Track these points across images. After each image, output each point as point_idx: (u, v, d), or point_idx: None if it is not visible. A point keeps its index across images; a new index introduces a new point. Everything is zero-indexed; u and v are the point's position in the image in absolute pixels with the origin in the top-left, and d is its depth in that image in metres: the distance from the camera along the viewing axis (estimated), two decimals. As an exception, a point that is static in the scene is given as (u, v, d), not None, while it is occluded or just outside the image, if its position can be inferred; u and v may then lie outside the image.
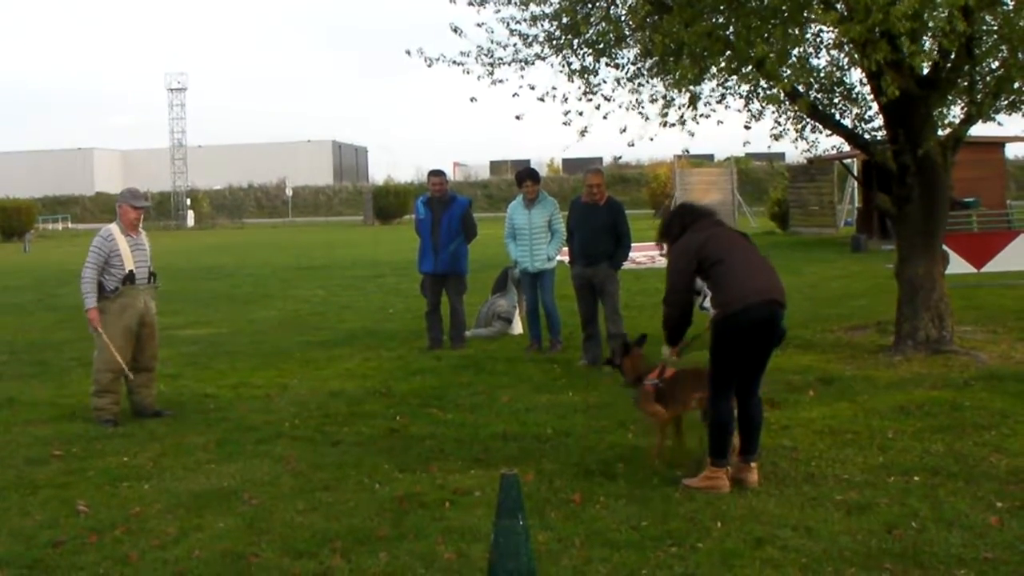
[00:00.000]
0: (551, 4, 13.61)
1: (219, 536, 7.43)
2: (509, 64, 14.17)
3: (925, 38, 12.29)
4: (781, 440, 9.32)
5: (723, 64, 12.51)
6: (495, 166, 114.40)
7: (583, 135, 13.85)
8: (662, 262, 30.41)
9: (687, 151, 15.59)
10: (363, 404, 11.77)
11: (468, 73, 14.33)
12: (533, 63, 14.14)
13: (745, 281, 8.08)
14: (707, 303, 8.36)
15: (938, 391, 11.27)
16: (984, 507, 7.49)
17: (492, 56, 14.20)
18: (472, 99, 14.82)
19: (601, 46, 13.76)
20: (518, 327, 16.73)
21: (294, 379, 13.46)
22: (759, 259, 8.34)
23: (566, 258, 15.02)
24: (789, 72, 12.01)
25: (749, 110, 14.03)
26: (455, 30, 14.02)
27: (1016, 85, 12.59)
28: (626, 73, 14.24)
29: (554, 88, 14.02)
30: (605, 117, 14.18)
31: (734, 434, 8.27)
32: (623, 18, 13.50)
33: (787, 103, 13.79)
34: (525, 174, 15.24)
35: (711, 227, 8.43)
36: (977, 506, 7.51)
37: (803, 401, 10.98)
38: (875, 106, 13.98)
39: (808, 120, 14.54)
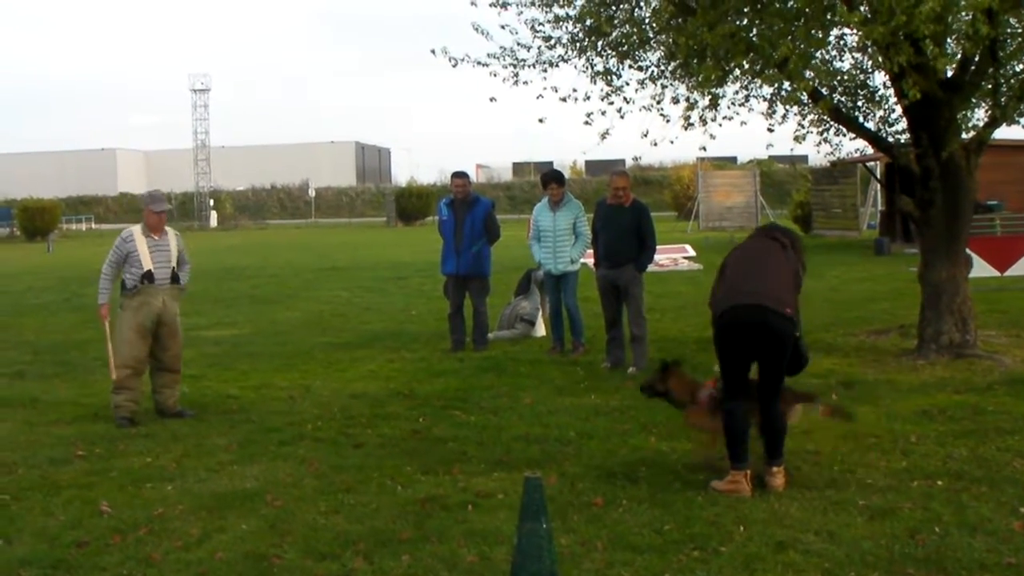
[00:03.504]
0: (574, 6, 13.61)
1: (242, 538, 7.46)
2: (533, 66, 14.18)
3: (949, 41, 12.26)
4: (804, 444, 9.29)
5: (746, 66, 12.50)
6: (518, 168, 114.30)
7: (604, 138, 13.84)
8: (685, 265, 30.34)
9: (704, 148, 15.55)
10: (386, 406, 11.79)
11: (495, 76, 14.36)
12: (557, 65, 14.16)
13: (735, 285, 8.37)
14: None
15: (961, 395, 11.25)
16: (1007, 512, 7.47)
17: (516, 58, 14.20)
18: (492, 99, 14.97)
19: (625, 48, 13.77)
20: (541, 329, 16.71)
21: (317, 380, 13.49)
22: (764, 267, 8.43)
23: (590, 261, 15.00)
24: (812, 74, 11.99)
25: (772, 112, 14.00)
26: (477, 29, 14.05)
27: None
28: (649, 75, 14.23)
29: (575, 90, 14.05)
30: (622, 117, 14.16)
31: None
32: (647, 20, 13.50)
33: (809, 105, 13.76)
34: (550, 176, 15.23)
35: (751, 240, 8.86)
36: (1000, 511, 7.49)
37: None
38: (899, 109, 13.95)
39: (831, 123, 14.50)
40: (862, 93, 14.35)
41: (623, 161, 68.44)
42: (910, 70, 11.37)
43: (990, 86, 13.01)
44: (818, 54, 12.42)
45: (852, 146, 15.60)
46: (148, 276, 11.44)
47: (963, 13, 11.22)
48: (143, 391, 11.63)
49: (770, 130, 13.98)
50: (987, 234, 25.64)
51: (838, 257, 31.25)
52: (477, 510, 7.89)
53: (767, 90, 13.66)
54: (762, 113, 14.07)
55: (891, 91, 13.73)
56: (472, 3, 14.14)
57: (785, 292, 8.28)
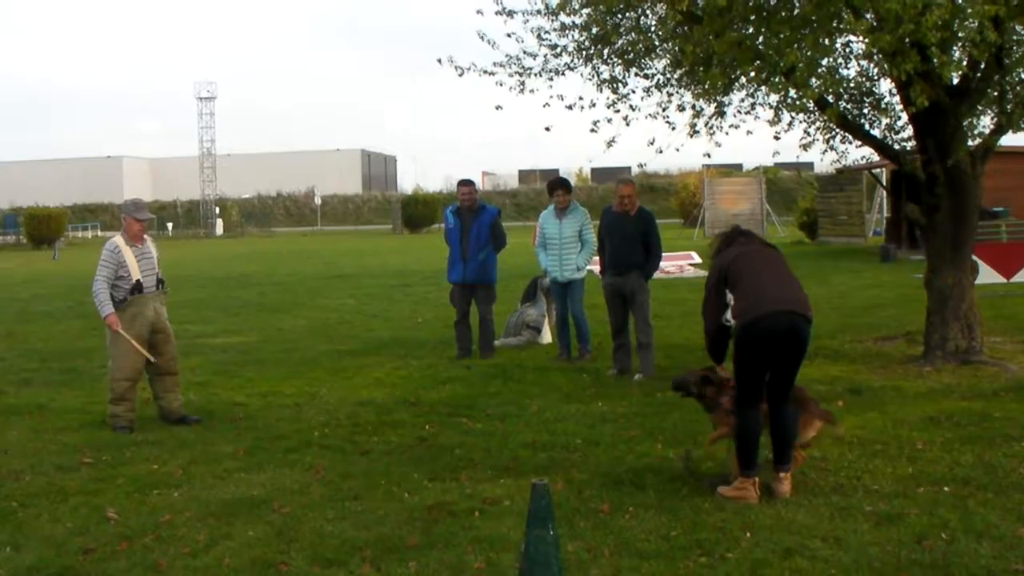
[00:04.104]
0: (581, 14, 13.62)
1: (249, 544, 7.47)
2: (539, 74, 14.18)
3: (955, 48, 12.26)
4: (810, 451, 9.28)
5: (752, 74, 12.50)
6: (524, 175, 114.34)
7: (610, 145, 13.86)
8: (691, 272, 30.30)
9: (708, 155, 15.55)
10: (392, 413, 11.79)
11: (501, 85, 14.31)
12: (563, 73, 14.16)
13: (763, 291, 8.23)
14: (729, 315, 8.36)
15: (967, 401, 11.24)
16: (1014, 518, 7.46)
17: (522, 66, 14.20)
18: (498, 107, 14.76)
19: (631, 56, 13.77)
20: (547, 336, 16.73)
21: (323, 388, 13.49)
22: (782, 273, 8.41)
23: (596, 268, 14.99)
24: (818, 82, 12.00)
25: (778, 120, 14.00)
26: (483, 38, 14.06)
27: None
28: (655, 83, 14.24)
29: (581, 98, 14.05)
30: (628, 124, 14.16)
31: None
32: (653, 28, 13.50)
33: (816, 112, 13.76)
34: (556, 184, 15.23)
35: (744, 245, 8.68)
36: (1007, 517, 7.49)
37: (832, 411, 10.91)
38: (905, 116, 13.95)
39: (837, 130, 14.50)
40: (868, 101, 14.35)
41: (629, 168, 68.29)
42: (916, 78, 11.37)
43: (996, 93, 13.02)
44: (824, 62, 12.42)
45: (858, 153, 15.62)
46: (137, 286, 11.47)
47: (970, 20, 11.22)
48: (137, 399, 11.68)
49: (776, 138, 13.98)
50: (993, 240, 25.63)
51: (844, 264, 31.26)
52: (484, 517, 7.90)
53: (773, 98, 13.66)
54: (768, 121, 14.07)
55: (897, 99, 13.72)
56: (478, 12, 14.17)
57: (805, 295, 8.32)
